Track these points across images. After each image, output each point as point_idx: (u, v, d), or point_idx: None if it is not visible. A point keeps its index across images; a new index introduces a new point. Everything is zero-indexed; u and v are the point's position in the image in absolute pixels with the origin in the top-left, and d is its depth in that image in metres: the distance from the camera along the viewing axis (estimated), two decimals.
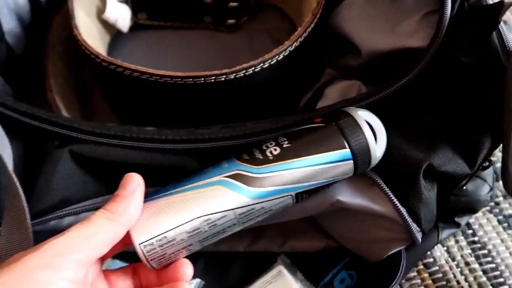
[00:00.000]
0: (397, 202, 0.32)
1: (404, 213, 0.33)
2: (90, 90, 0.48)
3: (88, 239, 0.26)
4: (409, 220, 0.33)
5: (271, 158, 0.30)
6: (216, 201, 0.29)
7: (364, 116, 0.31)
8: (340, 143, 0.30)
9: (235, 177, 0.29)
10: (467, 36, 0.32)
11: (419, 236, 0.35)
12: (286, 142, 0.31)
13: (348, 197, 0.33)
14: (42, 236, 0.26)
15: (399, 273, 0.35)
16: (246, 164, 0.30)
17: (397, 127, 0.33)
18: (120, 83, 0.40)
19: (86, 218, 0.27)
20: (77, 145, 0.31)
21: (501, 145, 0.34)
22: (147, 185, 0.28)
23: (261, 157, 0.30)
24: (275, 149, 0.30)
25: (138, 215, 0.28)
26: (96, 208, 0.30)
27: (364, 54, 0.40)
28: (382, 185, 0.32)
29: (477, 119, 0.33)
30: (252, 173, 0.29)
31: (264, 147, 0.31)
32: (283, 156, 0.30)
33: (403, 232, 0.35)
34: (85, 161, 0.31)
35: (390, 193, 0.32)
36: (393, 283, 0.34)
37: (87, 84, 0.48)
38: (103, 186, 0.32)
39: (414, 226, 0.34)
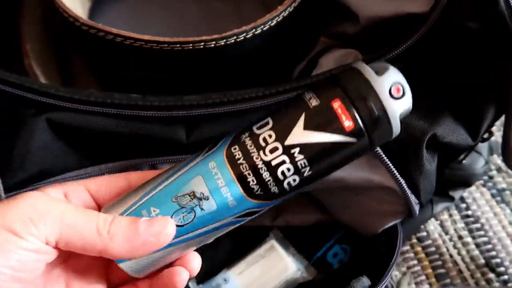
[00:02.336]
0: (396, 173, 0.31)
1: (404, 184, 0.32)
2: (71, 57, 0.45)
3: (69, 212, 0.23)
4: (408, 191, 0.32)
5: (288, 189, 0.26)
6: None
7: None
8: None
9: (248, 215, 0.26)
10: (473, 1, 0.31)
11: (416, 208, 0.34)
12: (308, 169, 0.25)
13: (347, 170, 0.32)
14: None
15: (397, 248, 0.34)
16: (259, 201, 0.26)
17: None
18: (102, 49, 0.37)
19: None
20: (54, 113, 0.28)
21: (503, 116, 0.33)
22: (132, 156, 0.26)
23: (276, 191, 0.25)
24: (294, 180, 0.25)
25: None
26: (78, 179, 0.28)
27: (362, 20, 0.38)
28: (382, 155, 0.31)
29: (480, 88, 0.32)
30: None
31: (280, 176, 0.25)
32: (303, 185, 0.26)
33: (401, 204, 0.34)
34: (64, 131, 0.29)
35: (390, 164, 0.31)
36: (393, 259, 0.33)
37: (67, 51, 0.45)
38: (86, 157, 0.30)
39: (412, 198, 0.33)
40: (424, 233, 0.45)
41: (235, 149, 0.26)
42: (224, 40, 0.35)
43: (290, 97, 0.30)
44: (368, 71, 0.26)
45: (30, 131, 0.28)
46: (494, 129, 0.53)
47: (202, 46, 0.35)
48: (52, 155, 0.28)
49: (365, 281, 0.32)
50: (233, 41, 0.35)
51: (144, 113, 0.29)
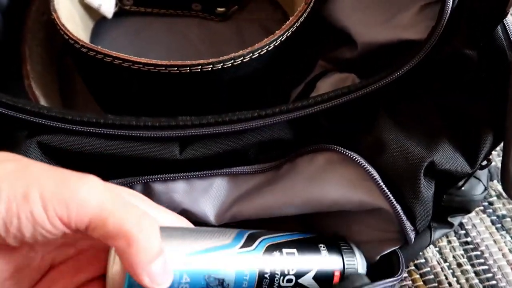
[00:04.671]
0: (392, 198, 0.31)
1: (400, 210, 0.31)
2: (73, 79, 0.45)
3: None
4: (404, 218, 0.32)
5: None
6: None
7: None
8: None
9: None
10: (472, 28, 0.31)
11: (412, 235, 0.33)
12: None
13: (339, 191, 0.32)
14: None
15: (400, 272, 0.33)
16: None
17: (398, 121, 0.32)
18: (101, 71, 0.38)
19: None
20: (45, 135, 0.28)
21: (502, 144, 0.32)
22: (125, 175, 0.26)
23: None
24: None
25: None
26: None
27: (360, 46, 0.38)
28: (378, 179, 0.31)
29: (479, 115, 0.32)
30: None
31: None
32: None
33: (396, 231, 0.34)
34: (55, 153, 0.29)
35: (385, 188, 0.31)
36: (396, 278, 0.33)
37: (69, 73, 0.46)
38: None
39: (408, 225, 0.32)
40: (422, 260, 0.44)
41: (265, 263, 0.30)
42: (221, 64, 0.35)
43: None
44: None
45: (21, 153, 0.28)
46: (494, 154, 0.53)
47: (199, 70, 0.35)
48: None
49: (365, 279, 0.31)
50: (230, 64, 0.36)
51: (137, 133, 0.29)
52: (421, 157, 0.31)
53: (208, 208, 0.33)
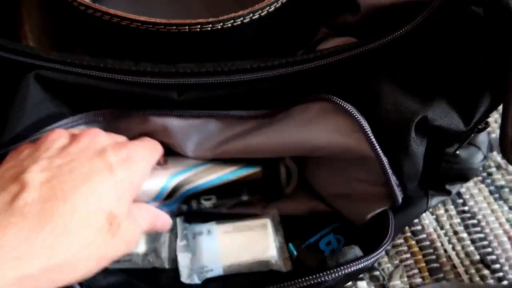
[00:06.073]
0: (379, 150, 0.31)
1: (385, 161, 0.32)
2: (70, 42, 0.45)
3: None
4: (389, 171, 0.32)
5: None
6: None
7: None
8: None
9: None
10: None
11: (398, 191, 0.33)
12: None
13: (329, 138, 0.32)
14: None
15: (388, 234, 0.33)
16: None
17: (395, 78, 0.32)
18: (99, 31, 0.37)
19: None
20: (44, 70, 0.28)
21: (502, 106, 0.32)
22: (122, 106, 0.27)
23: None
24: None
25: None
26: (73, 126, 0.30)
27: (363, 9, 0.38)
28: (368, 130, 0.31)
29: (478, 74, 0.31)
30: None
31: None
32: None
33: (382, 185, 0.34)
34: (53, 85, 0.29)
35: (373, 140, 0.31)
36: (383, 243, 0.33)
37: (66, 36, 0.45)
38: (79, 106, 0.30)
39: (393, 178, 0.32)
40: (419, 227, 0.44)
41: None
42: (221, 24, 0.35)
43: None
44: None
45: (21, 90, 0.28)
46: (495, 125, 0.53)
47: (198, 29, 0.34)
48: (45, 108, 0.29)
49: (357, 250, 0.31)
50: (230, 25, 0.35)
51: (137, 79, 0.29)
52: (414, 111, 0.31)
53: (197, 143, 0.33)
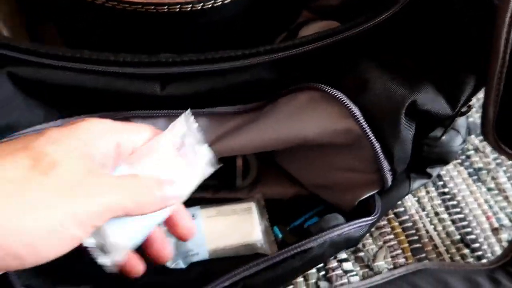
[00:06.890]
0: (371, 136, 0.31)
1: (378, 148, 0.32)
2: (42, 24, 0.43)
3: None
4: (382, 156, 0.32)
5: None
6: None
7: None
8: None
9: None
10: None
11: (389, 176, 0.34)
12: None
13: (320, 127, 0.32)
14: None
15: (375, 212, 0.34)
16: None
17: (382, 63, 0.32)
18: (73, 11, 0.36)
19: None
20: (17, 67, 0.27)
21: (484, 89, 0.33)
22: (104, 109, 0.25)
23: None
24: None
25: None
26: None
27: None
28: (359, 117, 0.31)
29: (462, 60, 0.32)
30: None
31: None
32: None
33: (373, 172, 0.34)
34: (27, 84, 0.27)
35: (365, 126, 0.31)
36: (370, 218, 0.33)
37: (38, 17, 0.44)
38: (54, 110, 0.29)
39: (385, 164, 0.32)
40: (402, 209, 0.45)
41: None
42: (201, 4, 0.34)
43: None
44: None
45: None
46: (473, 110, 0.54)
47: (177, 9, 0.33)
48: (17, 108, 0.27)
49: (339, 218, 0.31)
50: (210, 5, 0.34)
51: (117, 69, 0.28)
52: (404, 95, 0.31)
53: None
